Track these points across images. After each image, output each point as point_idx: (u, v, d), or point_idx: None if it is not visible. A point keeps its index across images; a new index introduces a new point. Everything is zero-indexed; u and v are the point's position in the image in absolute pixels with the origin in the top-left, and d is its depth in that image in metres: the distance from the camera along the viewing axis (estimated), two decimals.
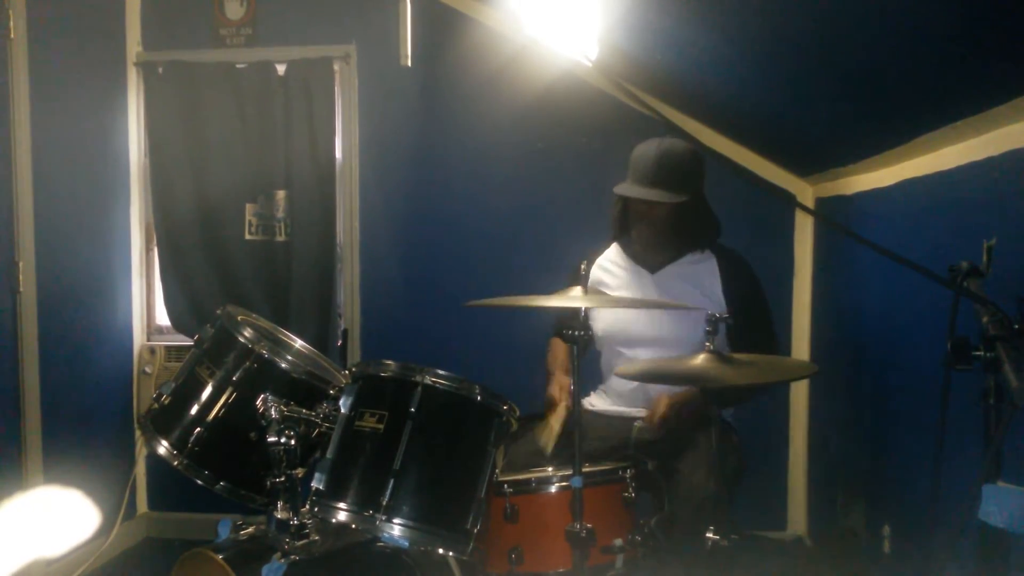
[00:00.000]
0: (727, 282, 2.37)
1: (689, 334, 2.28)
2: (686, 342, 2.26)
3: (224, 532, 1.97)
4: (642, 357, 2.36)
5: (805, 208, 3.23)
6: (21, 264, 2.87)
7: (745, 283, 2.41)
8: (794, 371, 2.34)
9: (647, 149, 2.35)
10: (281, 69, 3.43)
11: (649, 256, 2.45)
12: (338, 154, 3.49)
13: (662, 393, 2.28)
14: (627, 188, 2.35)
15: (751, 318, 2.32)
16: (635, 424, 2.35)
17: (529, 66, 3.21)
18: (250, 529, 1.97)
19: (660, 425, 2.23)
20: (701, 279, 2.38)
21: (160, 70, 3.47)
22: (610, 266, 2.50)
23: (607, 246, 2.55)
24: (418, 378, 1.82)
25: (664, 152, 2.32)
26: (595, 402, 2.48)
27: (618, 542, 1.89)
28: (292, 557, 1.81)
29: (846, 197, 2.76)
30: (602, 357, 2.52)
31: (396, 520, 1.73)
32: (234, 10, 3.52)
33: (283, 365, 1.99)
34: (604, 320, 2.42)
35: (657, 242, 2.40)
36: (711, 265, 2.40)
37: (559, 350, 2.53)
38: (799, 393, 3.32)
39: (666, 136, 2.38)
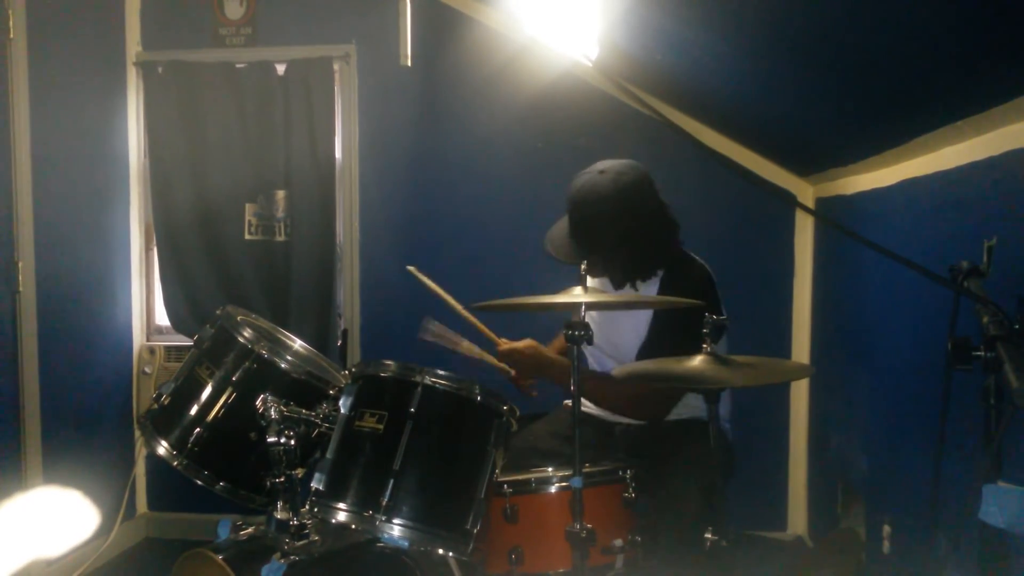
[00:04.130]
0: (660, 289, 2.28)
1: (630, 345, 2.27)
2: (628, 353, 2.26)
3: (224, 532, 1.96)
4: (605, 362, 2.38)
5: (805, 208, 3.23)
6: (21, 264, 2.87)
7: (677, 287, 2.26)
8: (792, 372, 2.34)
9: (571, 187, 2.26)
10: (281, 69, 3.43)
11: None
12: (338, 154, 3.49)
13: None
14: (549, 241, 2.35)
15: (671, 326, 2.21)
16: (616, 428, 2.35)
17: (529, 66, 3.21)
18: (250, 529, 1.97)
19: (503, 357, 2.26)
20: (647, 292, 2.32)
21: (160, 70, 3.47)
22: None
23: None
24: (418, 378, 1.82)
25: (581, 199, 2.23)
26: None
27: (618, 542, 1.89)
28: (292, 557, 1.81)
29: (846, 197, 2.76)
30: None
31: (396, 520, 1.72)
32: (234, 10, 3.52)
33: (283, 365, 1.99)
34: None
35: (607, 275, 2.35)
36: (657, 277, 2.31)
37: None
38: (799, 393, 3.32)
39: (599, 165, 2.26)
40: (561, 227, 2.35)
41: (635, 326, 2.28)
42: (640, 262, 2.29)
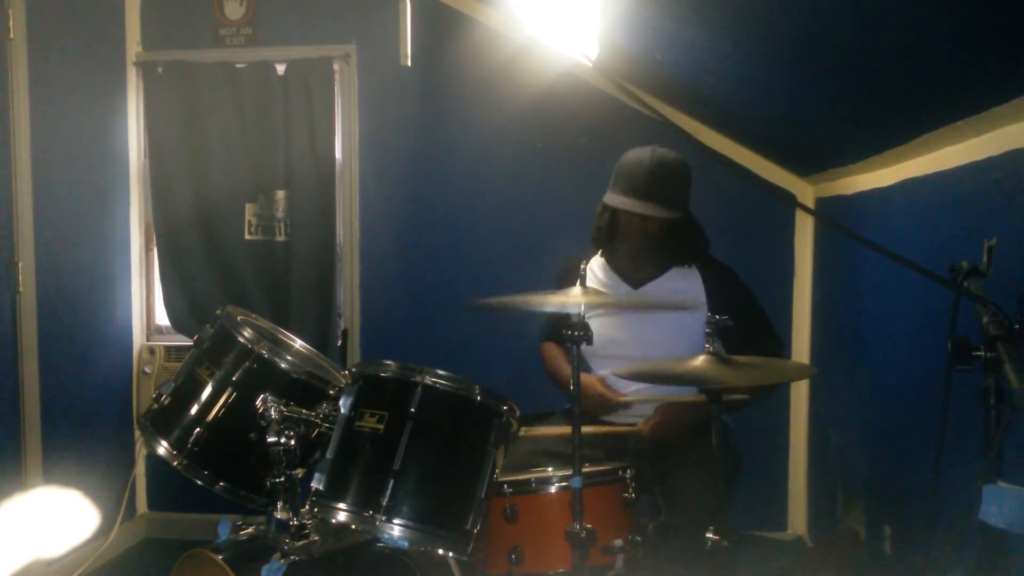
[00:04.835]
0: (713, 296, 2.33)
1: (675, 350, 2.23)
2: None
3: (224, 532, 1.96)
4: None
5: (805, 208, 3.23)
6: (21, 264, 2.87)
7: (734, 292, 2.37)
8: (793, 373, 2.34)
9: (639, 158, 2.29)
10: (281, 69, 3.43)
11: (633, 271, 2.42)
12: (338, 154, 3.49)
13: (664, 405, 2.27)
14: (621, 200, 2.29)
15: (751, 326, 2.29)
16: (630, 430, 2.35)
17: (529, 66, 3.21)
18: (250, 529, 1.97)
19: (652, 435, 2.23)
20: (685, 292, 2.35)
21: (160, 70, 3.47)
22: (593, 277, 2.46)
23: (593, 253, 2.52)
24: (418, 378, 1.82)
25: (658, 163, 2.27)
26: None
27: (618, 542, 1.88)
28: (292, 557, 1.81)
29: (846, 197, 2.76)
30: (590, 368, 2.46)
31: (396, 520, 1.72)
32: (234, 10, 3.52)
33: (283, 365, 1.99)
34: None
35: (645, 256, 2.38)
36: (696, 282, 2.37)
37: (559, 355, 2.51)
38: (799, 393, 3.32)
39: (655, 145, 2.34)
40: (630, 186, 2.33)
41: (683, 328, 2.27)
42: (681, 245, 2.37)
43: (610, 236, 2.42)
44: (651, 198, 2.26)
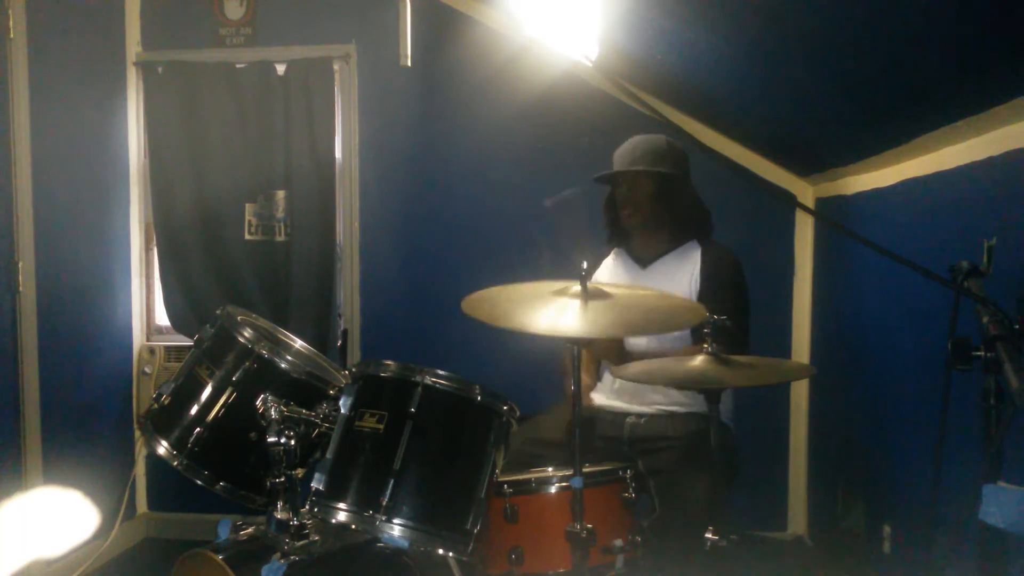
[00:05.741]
0: (703, 270, 2.36)
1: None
2: (667, 335, 2.28)
3: (224, 532, 1.96)
4: (632, 348, 2.36)
5: (805, 208, 3.23)
6: (21, 264, 2.87)
7: (722, 273, 2.37)
8: (792, 372, 2.34)
9: (626, 142, 2.44)
10: (281, 69, 3.43)
11: (643, 249, 2.46)
12: (338, 154, 3.49)
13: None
14: (612, 170, 2.42)
15: (721, 309, 2.27)
16: (627, 420, 2.36)
17: (529, 66, 3.21)
18: (250, 529, 1.97)
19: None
20: (684, 270, 2.38)
21: (160, 70, 3.47)
22: (606, 266, 2.52)
23: (608, 252, 2.56)
24: (418, 378, 1.82)
25: (641, 139, 2.41)
26: (595, 397, 2.49)
27: (618, 542, 1.89)
28: (292, 557, 1.81)
29: (846, 197, 2.76)
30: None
31: (396, 520, 1.72)
32: (234, 10, 3.52)
33: (283, 365, 1.99)
34: None
35: (645, 225, 2.41)
36: (695, 256, 2.41)
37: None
38: (799, 393, 3.32)
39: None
40: (618, 163, 2.45)
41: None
42: (682, 213, 2.41)
43: (613, 218, 2.48)
44: (637, 161, 2.37)
